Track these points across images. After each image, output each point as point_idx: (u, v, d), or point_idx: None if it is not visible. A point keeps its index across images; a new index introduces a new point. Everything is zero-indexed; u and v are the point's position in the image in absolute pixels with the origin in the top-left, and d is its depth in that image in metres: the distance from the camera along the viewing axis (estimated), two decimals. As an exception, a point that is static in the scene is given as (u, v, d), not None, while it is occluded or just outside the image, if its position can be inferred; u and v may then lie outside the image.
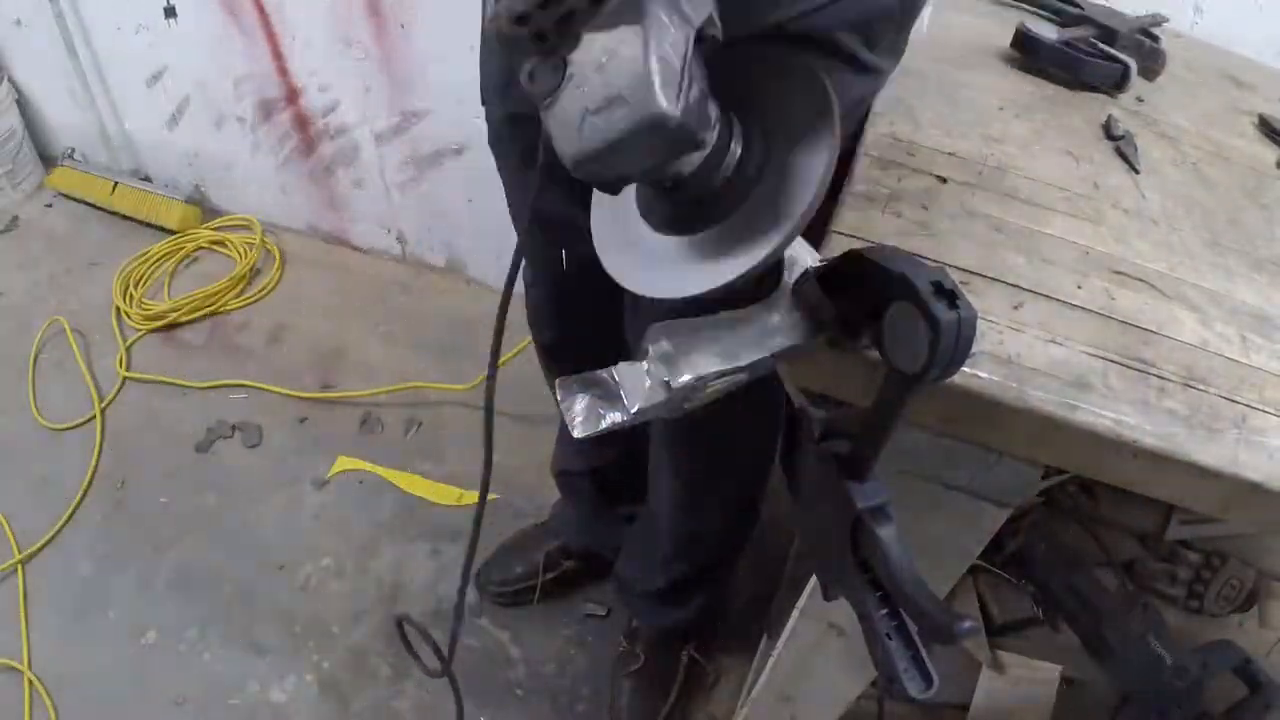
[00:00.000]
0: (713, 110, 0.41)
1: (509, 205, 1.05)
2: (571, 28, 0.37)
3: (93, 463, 1.70)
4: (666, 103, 0.36)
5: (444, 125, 1.82)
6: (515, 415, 1.75)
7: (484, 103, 0.93)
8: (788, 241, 0.42)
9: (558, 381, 0.48)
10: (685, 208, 0.45)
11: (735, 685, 1.48)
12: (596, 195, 0.49)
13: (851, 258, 0.48)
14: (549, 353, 1.27)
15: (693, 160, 0.41)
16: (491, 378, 0.54)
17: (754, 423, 1.08)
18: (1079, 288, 0.62)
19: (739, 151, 0.43)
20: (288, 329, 2.00)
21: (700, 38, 0.39)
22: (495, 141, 0.98)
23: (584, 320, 1.08)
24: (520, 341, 1.61)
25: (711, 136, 0.42)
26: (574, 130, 0.37)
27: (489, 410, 0.57)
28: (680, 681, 1.46)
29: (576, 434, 0.47)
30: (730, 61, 0.42)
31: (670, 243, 0.46)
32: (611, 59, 0.36)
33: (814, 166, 0.42)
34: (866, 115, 0.77)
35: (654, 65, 0.36)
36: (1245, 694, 0.95)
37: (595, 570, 1.56)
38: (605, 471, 1.42)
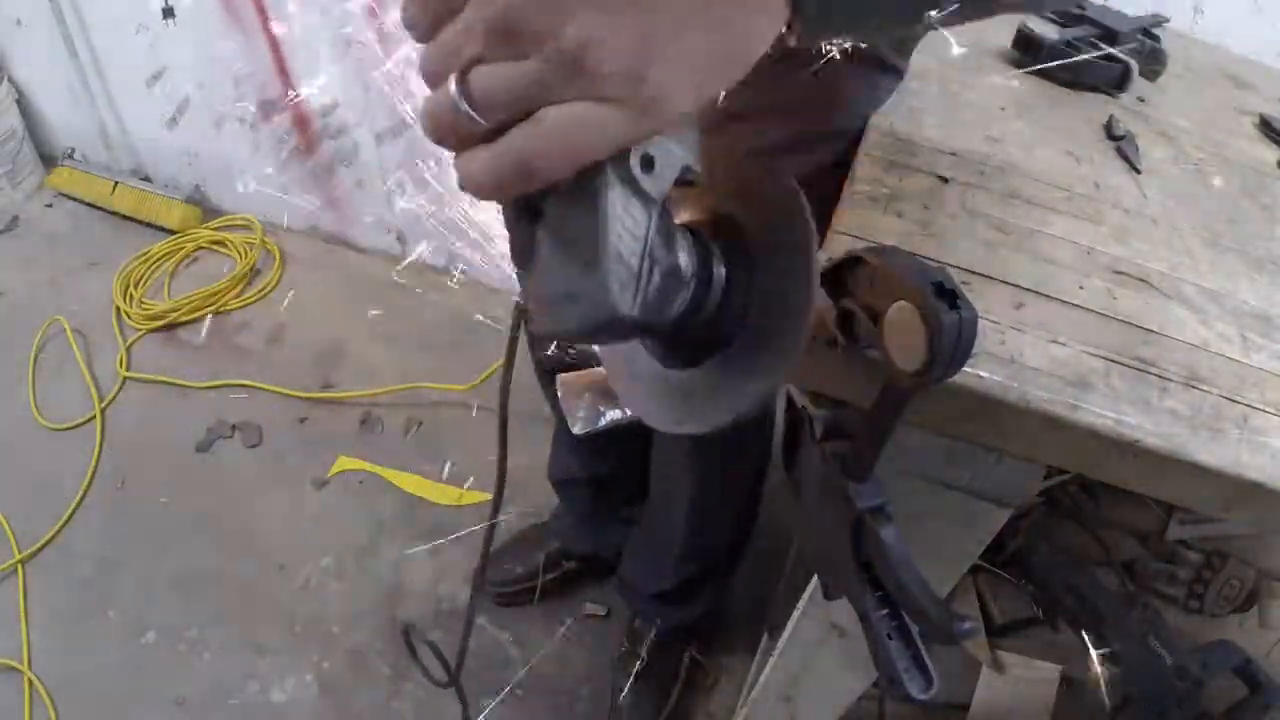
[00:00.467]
0: (685, 262, 0.40)
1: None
2: (533, 201, 0.37)
3: (93, 463, 1.70)
4: (623, 307, 0.36)
5: (444, 125, 1.82)
6: (515, 415, 1.75)
7: None
8: (787, 370, 0.41)
9: (559, 379, 0.48)
10: (677, 347, 0.44)
11: (735, 685, 1.48)
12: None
13: (852, 258, 0.48)
14: (548, 371, 1.28)
15: (669, 316, 0.40)
16: (503, 406, 0.54)
17: (760, 421, 1.08)
18: (1080, 288, 0.62)
19: (723, 281, 0.42)
20: (288, 329, 2.00)
21: (681, 182, 0.37)
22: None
23: None
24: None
25: (685, 296, 0.40)
26: (543, 311, 0.37)
27: (503, 426, 0.57)
28: (681, 682, 1.47)
29: (577, 430, 0.47)
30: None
31: (673, 375, 0.45)
32: (569, 252, 0.36)
33: (801, 292, 0.41)
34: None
35: (609, 265, 0.35)
36: (1245, 694, 0.95)
37: (595, 571, 1.57)
38: (602, 478, 1.42)
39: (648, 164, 0.35)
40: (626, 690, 1.44)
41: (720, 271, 0.41)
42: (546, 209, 0.37)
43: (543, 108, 0.32)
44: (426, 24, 0.34)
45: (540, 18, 0.31)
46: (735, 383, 0.42)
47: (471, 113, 0.33)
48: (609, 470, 1.41)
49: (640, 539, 1.42)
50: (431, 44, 0.34)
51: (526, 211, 0.37)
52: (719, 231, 0.42)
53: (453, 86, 0.33)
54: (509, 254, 0.40)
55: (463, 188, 0.36)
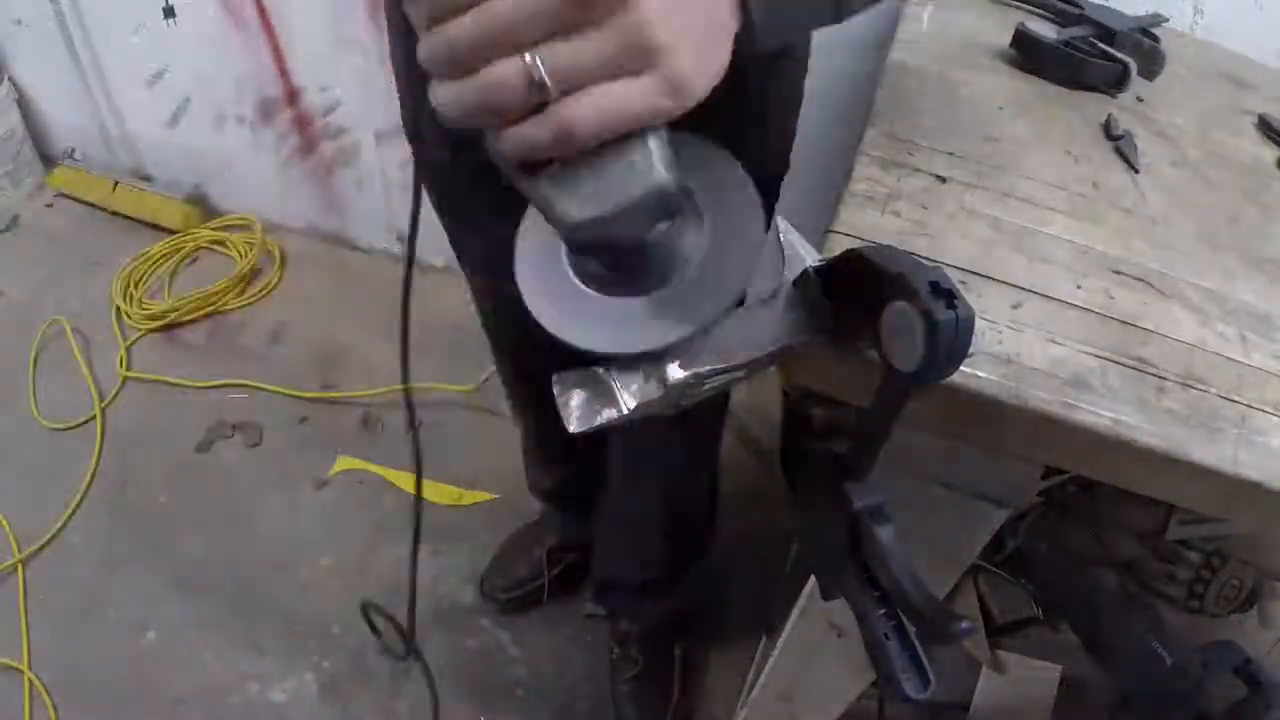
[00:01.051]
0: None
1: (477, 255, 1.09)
2: None
3: (93, 463, 1.70)
4: (668, 174, 0.39)
5: (444, 125, 1.82)
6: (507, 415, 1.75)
7: (415, 138, 0.84)
8: (729, 304, 0.45)
9: (555, 377, 0.48)
10: (627, 271, 0.46)
11: (735, 685, 1.48)
12: (521, 251, 0.50)
13: (850, 257, 0.48)
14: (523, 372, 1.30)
15: (660, 228, 0.44)
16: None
17: (719, 402, 1.10)
18: (1078, 287, 0.62)
19: (678, 218, 0.45)
20: (288, 329, 2.00)
21: None
22: (455, 189, 0.92)
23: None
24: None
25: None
26: (582, 196, 0.39)
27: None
28: (679, 681, 1.46)
29: (572, 429, 0.47)
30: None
31: (610, 302, 0.47)
32: (602, 152, 0.38)
33: (750, 233, 0.46)
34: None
35: (653, 142, 0.39)
36: (1245, 694, 0.95)
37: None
38: (572, 484, 1.42)
39: None
40: (626, 696, 1.44)
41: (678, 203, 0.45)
42: None
43: (597, 82, 0.35)
44: (459, 1, 0.35)
45: None
46: (685, 307, 0.45)
47: (548, 84, 0.35)
48: (573, 478, 1.41)
49: (612, 533, 1.40)
50: (467, 24, 0.35)
51: None
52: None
53: (529, 59, 0.35)
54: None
55: (501, 153, 0.38)
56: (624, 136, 0.38)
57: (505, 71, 0.35)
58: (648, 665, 1.44)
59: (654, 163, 0.39)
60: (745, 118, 0.78)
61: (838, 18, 0.48)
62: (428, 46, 0.37)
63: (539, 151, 0.37)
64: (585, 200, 0.39)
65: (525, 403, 1.35)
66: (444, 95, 0.37)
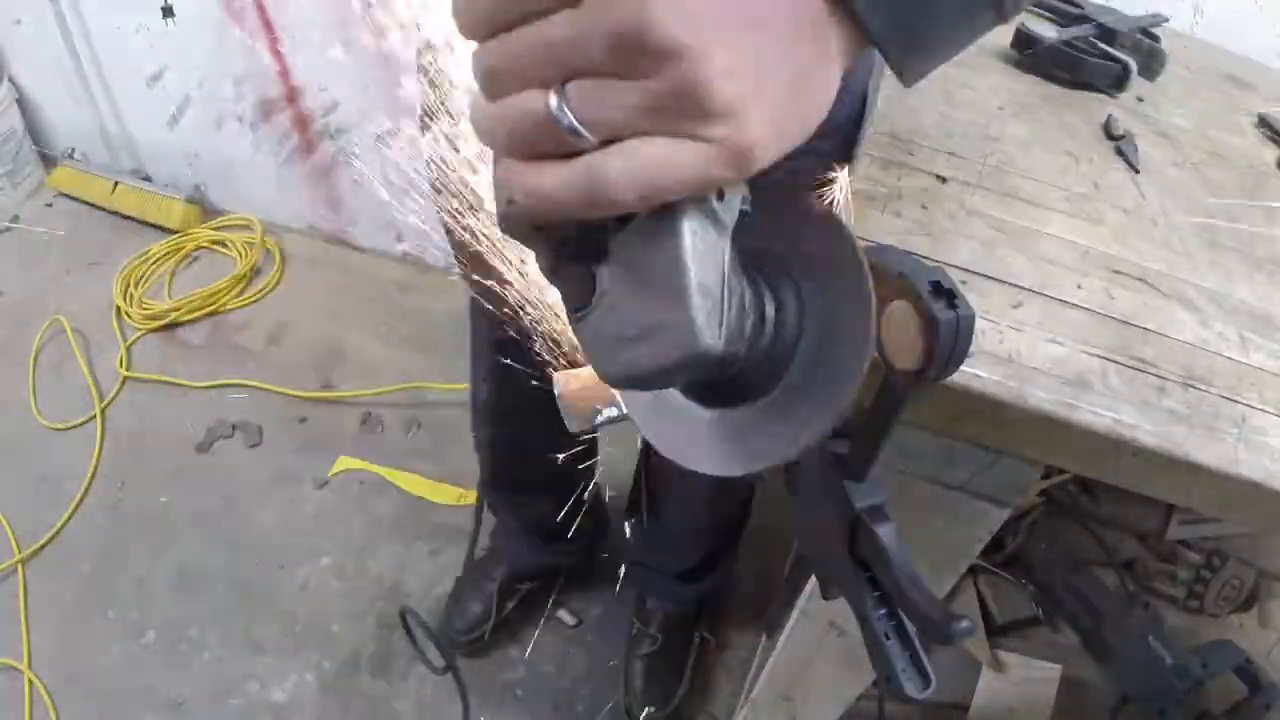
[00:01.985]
0: (747, 295, 0.38)
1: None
2: (596, 238, 0.34)
3: (93, 463, 1.70)
4: (709, 338, 0.33)
5: (444, 125, 1.82)
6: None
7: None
8: (839, 416, 0.39)
9: (555, 376, 0.48)
10: (730, 384, 0.41)
11: (736, 685, 1.48)
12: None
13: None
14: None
15: (740, 350, 0.38)
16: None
17: None
18: (1078, 287, 0.62)
19: (773, 315, 0.39)
20: (288, 329, 2.00)
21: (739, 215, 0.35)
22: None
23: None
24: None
25: (748, 325, 0.38)
26: (611, 352, 0.35)
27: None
28: (693, 662, 1.48)
29: (573, 430, 0.47)
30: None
31: (715, 415, 0.42)
32: (647, 284, 0.33)
33: (860, 320, 0.38)
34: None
35: (694, 299, 0.33)
36: (1245, 694, 0.95)
37: (566, 581, 1.57)
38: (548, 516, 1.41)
39: (719, 191, 0.33)
40: (641, 672, 1.45)
41: (771, 301, 0.39)
42: (614, 244, 0.34)
43: (639, 136, 0.30)
44: (505, 18, 0.31)
45: (677, 36, 0.28)
46: (795, 415, 0.39)
47: (578, 128, 0.30)
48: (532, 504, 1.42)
49: (657, 526, 1.41)
50: (509, 42, 0.31)
51: (586, 248, 0.34)
52: (762, 261, 0.40)
53: (553, 100, 0.30)
54: (562, 303, 0.37)
55: (507, 202, 0.33)
56: (677, 271, 0.32)
57: (529, 100, 0.31)
58: (665, 645, 1.46)
59: (696, 324, 0.33)
60: None
61: (1002, 17, 0.39)
62: (472, 62, 0.33)
63: (562, 207, 0.32)
64: (618, 358, 0.35)
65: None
66: (475, 112, 0.33)
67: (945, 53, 0.37)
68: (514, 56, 0.31)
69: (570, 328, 0.36)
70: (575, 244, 0.34)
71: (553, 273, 0.36)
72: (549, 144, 0.31)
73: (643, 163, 0.30)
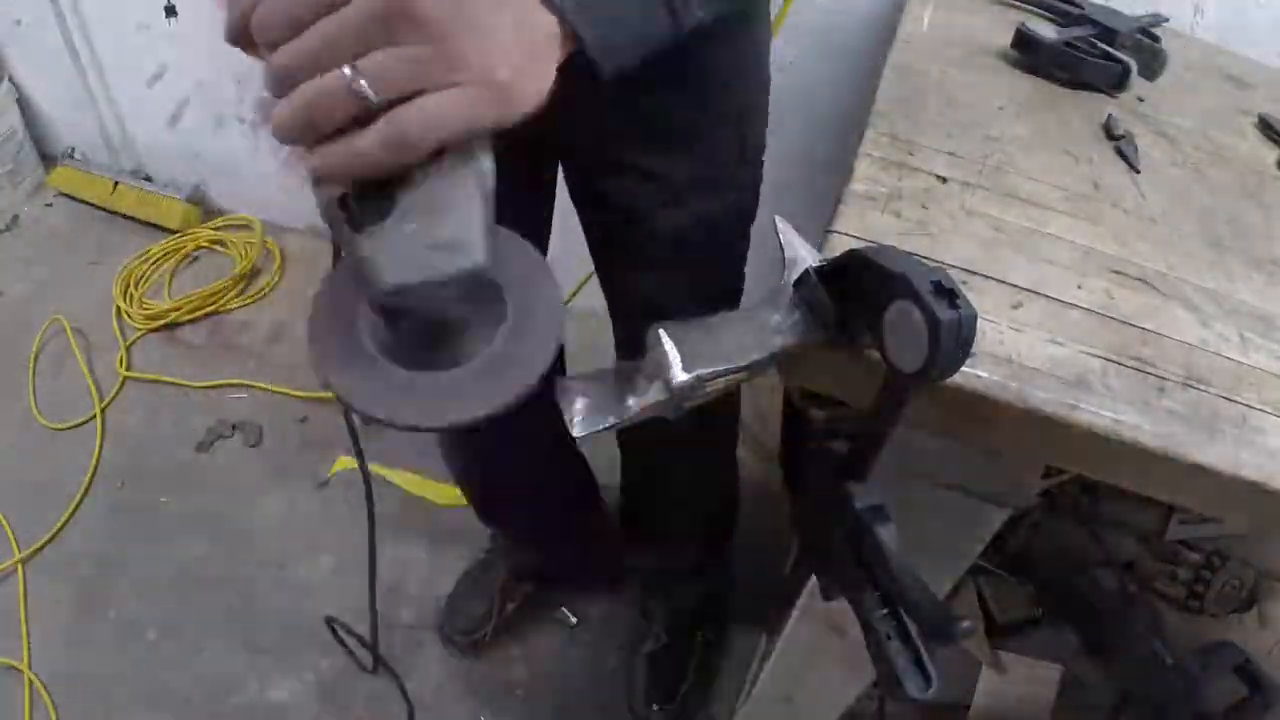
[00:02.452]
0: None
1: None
2: (408, 170, 0.40)
3: (93, 463, 1.70)
4: (485, 257, 0.41)
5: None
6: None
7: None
8: (533, 388, 0.44)
9: (558, 383, 0.48)
10: (429, 343, 0.45)
11: (735, 685, 1.48)
12: (315, 312, 0.48)
13: (852, 258, 0.48)
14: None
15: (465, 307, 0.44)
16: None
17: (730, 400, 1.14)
18: (1079, 287, 0.62)
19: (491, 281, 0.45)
20: (288, 329, 2.00)
21: None
22: None
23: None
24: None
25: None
26: (399, 261, 0.40)
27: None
28: (695, 665, 1.48)
29: (576, 433, 0.47)
30: None
31: (410, 375, 0.45)
32: (444, 206, 0.40)
33: (550, 311, 0.45)
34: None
35: (480, 221, 0.41)
36: (1245, 694, 0.95)
37: (567, 581, 1.58)
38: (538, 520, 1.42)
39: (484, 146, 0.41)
40: (643, 672, 1.45)
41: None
42: (406, 181, 0.41)
43: (424, 93, 0.38)
44: (297, 22, 0.38)
45: (430, 8, 0.37)
46: (490, 378, 0.44)
47: (371, 94, 0.38)
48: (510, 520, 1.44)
49: (649, 526, 1.44)
50: (299, 41, 0.38)
51: (374, 188, 0.41)
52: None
53: (347, 70, 0.38)
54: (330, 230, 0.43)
55: (319, 171, 0.41)
56: (468, 202, 0.40)
57: (325, 80, 0.38)
58: (668, 643, 1.47)
59: (476, 238, 0.40)
60: (703, 97, 0.79)
61: (678, 28, 0.50)
62: (266, 74, 0.40)
63: (371, 164, 0.39)
64: (403, 265, 0.40)
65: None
66: (276, 114, 0.40)
67: (634, 37, 0.49)
68: (307, 52, 0.38)
69: (349, 243, 0.42)
70: (365, 184, 0.41)
71: (344, 205, 0.42)
72: (346, 114, 0.38)
73: (430, 110, 0.38)
